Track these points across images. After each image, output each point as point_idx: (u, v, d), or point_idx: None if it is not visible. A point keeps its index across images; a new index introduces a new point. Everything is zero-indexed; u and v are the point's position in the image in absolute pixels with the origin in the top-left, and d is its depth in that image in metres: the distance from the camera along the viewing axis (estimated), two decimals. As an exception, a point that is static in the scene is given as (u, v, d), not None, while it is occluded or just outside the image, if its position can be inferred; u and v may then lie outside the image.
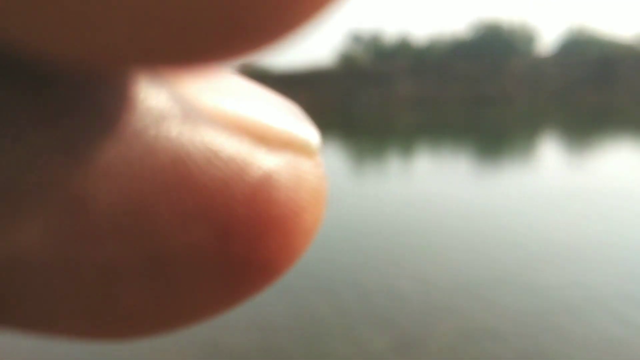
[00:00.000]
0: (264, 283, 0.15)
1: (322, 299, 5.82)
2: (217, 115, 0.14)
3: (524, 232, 8.70)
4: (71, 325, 0.13)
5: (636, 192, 11.53)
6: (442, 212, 10.29)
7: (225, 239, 0.13)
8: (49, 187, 0.12)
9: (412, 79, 53.71)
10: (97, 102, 0.12)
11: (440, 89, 52.37)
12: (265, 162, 0.14)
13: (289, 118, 0.16)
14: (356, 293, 6.02)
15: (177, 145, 0.13)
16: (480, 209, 10.62)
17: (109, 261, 0.12)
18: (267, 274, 0.15)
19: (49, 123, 0.12)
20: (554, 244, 7.94)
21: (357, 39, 71.85)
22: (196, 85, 0.14)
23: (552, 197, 11.28)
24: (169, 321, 0.14)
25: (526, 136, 26.91)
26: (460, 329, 5.31)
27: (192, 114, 0.13)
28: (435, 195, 11.66)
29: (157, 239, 0.12)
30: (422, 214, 9.74)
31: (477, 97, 49.46)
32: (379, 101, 51.25)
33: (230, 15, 0.09)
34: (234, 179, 0.13)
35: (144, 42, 0.09)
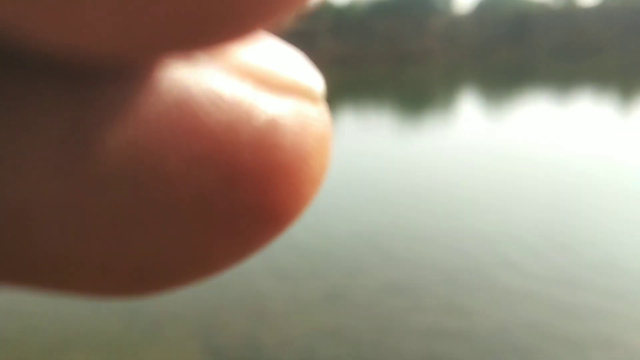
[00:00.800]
0: (273, 232, 0.15)
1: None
2: (221, 60, 0.14)
3: (443, 185, 8.78)
4: (80, 279, 0.13)
5: (550, 144, 11.91)
6: (365, 168, 10.24)
7: (232, 185, 0.13)
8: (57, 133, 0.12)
9: (334, 38, 53.51)
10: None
11: (362, 47, 52.46)
12: (271, 106, 0.14)
13: (293, 65, 0.16)
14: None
15: (182, 88, 0.13)
16: (403, 165, 10.63)
17: (116, 208, 0.12)
18: (276, 222, 0.15)
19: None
20: (473, 194, 8.05)
21: (277, -3, 70.62)
22: None
23: (471, 150, 11.47)
24: (180, 274, 0.14)
25: (446, 92, 27.40)
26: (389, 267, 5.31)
27: (195, 58, 0.13)
28: (359, 152, 11.59)
29: (164, 185, 0.12)
30: (345, 171, 9.64)
31: (398, 54, 50.01)
32: (301, 61, 50.69)
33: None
34: (240, 123, 0.13)
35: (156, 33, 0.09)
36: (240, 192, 0.13)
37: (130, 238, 0.12)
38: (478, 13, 63.62)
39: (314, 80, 0.16)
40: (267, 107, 0.14)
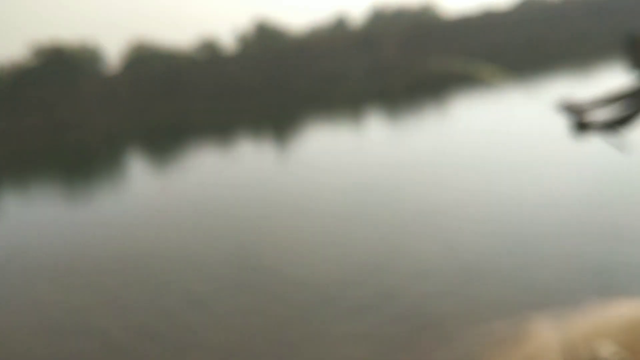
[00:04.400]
0: None
1: None
2: None
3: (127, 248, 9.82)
4: None
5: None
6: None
7: None
8: None
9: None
10: None
11: (14, 119, 49.06)
12: None
13: None
14: None
15: None
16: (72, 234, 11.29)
17: None
18: None
19: None
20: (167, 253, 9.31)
21: None
22: None
23: (150, 212, 12.71)
24: None
25: (112, 156, 28.07)
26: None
27: None
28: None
29: None
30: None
31: (53, 123, 48.05)
32: None
33: None
34: None
35: None
36: None
37: None
38: (128, 71, 64.74)
39: None
40: None
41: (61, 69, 58.15)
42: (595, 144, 4.26)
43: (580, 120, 4.03)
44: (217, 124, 33.39)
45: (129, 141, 32.25)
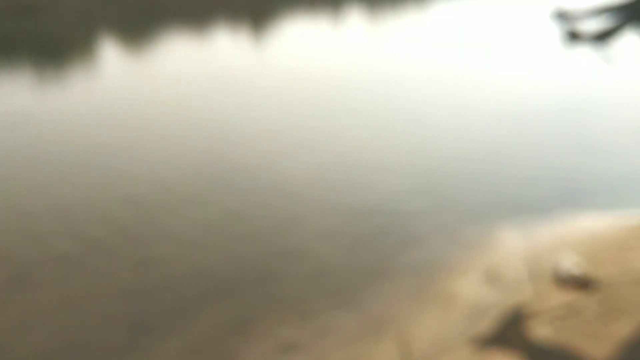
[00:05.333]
0: None
1: None
2: None
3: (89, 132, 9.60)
4: None
5: (195, 74, 13.51)
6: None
7: None
8: None
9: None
10: None
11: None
12: None
13: None
14: None
15: None
16: (46, 119, 11.01)
17: None
18: None
19: None
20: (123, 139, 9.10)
21: None
22: None
23: (118, 98, 12.42)
24: None
25: (83, 41, 26.95)
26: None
27: None
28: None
29: None
30: None
31: (21, 6, 45.66)
32: None
33: None
34: None
35: None
36: None
37: None
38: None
39: None
40: None
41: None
42: (581, 54, 4.22)
43: (572, 30, 4.08)
44: (192, 10, 32.10)
45: (100, 26, 30.92)
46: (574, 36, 4.03)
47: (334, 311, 4.37)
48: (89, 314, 4.67)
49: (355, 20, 22.16)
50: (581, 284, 3.82)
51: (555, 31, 3.69)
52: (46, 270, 5.33)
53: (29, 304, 4.86)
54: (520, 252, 4.66)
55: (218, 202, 6.45)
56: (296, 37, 18.97)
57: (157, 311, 4.62)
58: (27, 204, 6.88)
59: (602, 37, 3.90)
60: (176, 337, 4.30)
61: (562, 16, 4.18)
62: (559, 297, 3.72)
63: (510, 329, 3.55)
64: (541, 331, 3.42)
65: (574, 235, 4.80)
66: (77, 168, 7.95)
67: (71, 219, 6.39)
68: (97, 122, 10.58)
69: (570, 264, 3.98)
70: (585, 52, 3.84)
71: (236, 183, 6.96)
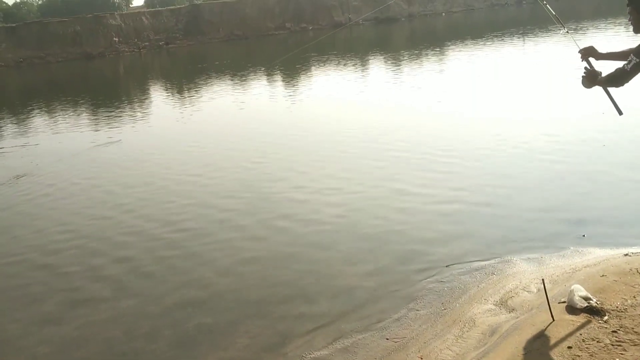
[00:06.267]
0: None
1: None
2: None
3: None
4: None
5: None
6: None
7: None
8: None
9: (9, 42, 48.30)
10: None
11: (41, 49, 48.42)
12: None
13: None
14: None
15: None
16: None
17: None
18: None
19: None
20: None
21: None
22: None
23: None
24: None
25: (137, 83, 27.86)
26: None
27: None
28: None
29: None
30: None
31: (82, 53, 47.40)
32: (-24, 68, 44.94)
33: None
34: None
35: None
36: None
37: None
38: (153, 8, 63.52)
39: None
40: None
41: (88, 2, 56.66)
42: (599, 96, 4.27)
43: (593, 72, 4.06)
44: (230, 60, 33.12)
45: (150, 71, 31.99)
46: (593, 77, 4.02)
47: (363, 333, 4.44)
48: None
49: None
50: (594, 313, 3.80)
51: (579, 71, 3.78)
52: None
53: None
54: (535, 284, 4.65)
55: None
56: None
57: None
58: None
59: (616, 81, 3.86)
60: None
61: (587, 55, 4.19)
62: (573, 325, 3.71)
63: (526, 355, 3.54)
64: (557, 357, 3.40)
65: (586, 267, 4.77)
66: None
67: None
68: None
69: (583, 294, 3.96)
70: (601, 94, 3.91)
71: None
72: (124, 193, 8.76)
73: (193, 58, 40.97)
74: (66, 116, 18.47)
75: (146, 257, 6.28)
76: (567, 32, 4.98)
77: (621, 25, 25.39)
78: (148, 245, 6.59)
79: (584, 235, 5.58)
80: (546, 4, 5.02)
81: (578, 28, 26.13)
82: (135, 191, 8.78)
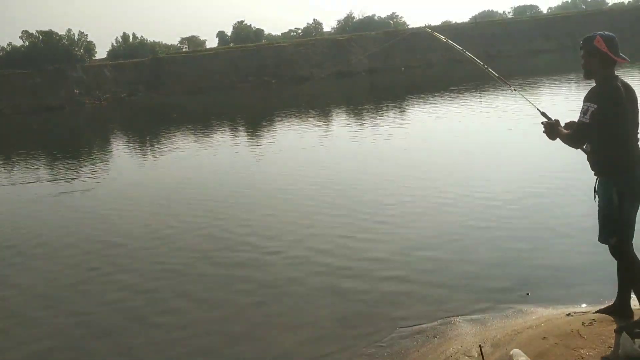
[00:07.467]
0: None
1: None
2: None
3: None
4: None
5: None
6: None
7: None
8: None
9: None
10: None
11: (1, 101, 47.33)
12: None
13: None
14: None
15: None
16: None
17: None
18: None
19: None
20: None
21: None
22: None
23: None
24: None
25: (96, 137, 27.39)
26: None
27: None
28: None
29: None
30: None
31: (41, 105, 46.34)
32: None
33: None
34: None
35: None
36: None
37: None
38: (114, 60, 63.26)
39: None
40: None
41: (55, 54, 56.20)
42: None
43: (550, 124, 4.07)
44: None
45: (110, 123, 31.51)
46: (551, 129, 4.05)
47: None
48: None
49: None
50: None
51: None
52: None
53: None
54: (474, 347, 4.45)
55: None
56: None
57: None
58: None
59: (579, 136, 3.88)
60: None
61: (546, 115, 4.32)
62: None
63: None
64: None
65: (528, 328, 4.61)
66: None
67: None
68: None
69: (523, 359, 3.79)
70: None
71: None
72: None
73: (153, 110, 40.72)
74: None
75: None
76: (514, 90, 5.05)
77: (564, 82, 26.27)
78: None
79: (527, 294, 5.45)
80: (487, 67, 5.10)
81: (524, 84, 26.92)
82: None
